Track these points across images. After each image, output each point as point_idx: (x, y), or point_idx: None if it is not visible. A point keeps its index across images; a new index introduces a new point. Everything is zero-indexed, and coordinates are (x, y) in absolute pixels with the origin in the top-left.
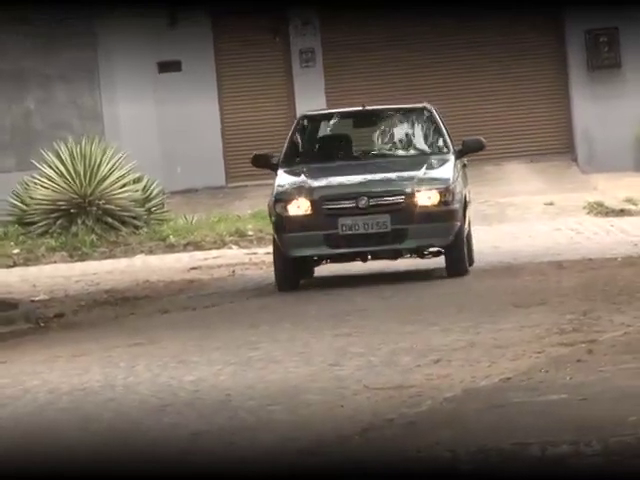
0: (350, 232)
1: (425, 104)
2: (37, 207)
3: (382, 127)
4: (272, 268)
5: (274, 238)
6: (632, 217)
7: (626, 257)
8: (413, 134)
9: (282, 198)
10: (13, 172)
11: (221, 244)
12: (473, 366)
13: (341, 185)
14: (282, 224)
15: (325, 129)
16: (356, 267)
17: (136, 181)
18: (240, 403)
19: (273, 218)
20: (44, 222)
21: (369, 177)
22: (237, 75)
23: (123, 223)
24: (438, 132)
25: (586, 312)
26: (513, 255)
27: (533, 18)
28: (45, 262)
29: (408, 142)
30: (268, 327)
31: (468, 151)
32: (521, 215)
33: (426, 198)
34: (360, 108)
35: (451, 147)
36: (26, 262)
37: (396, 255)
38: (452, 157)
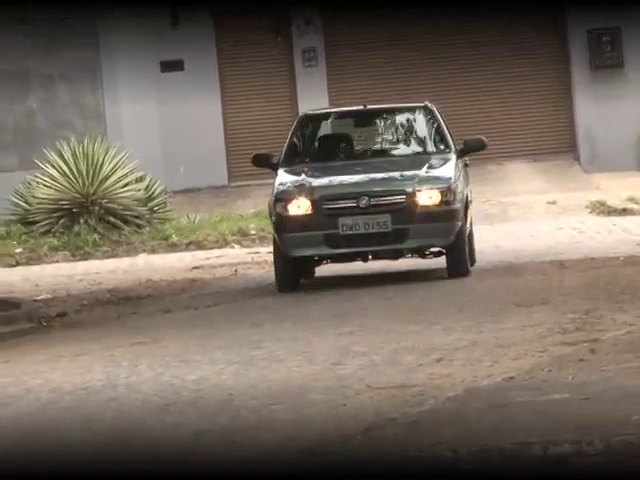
0: (351, 232)
1: (426, 103)
2: (40, 206)
3: (383, 126)
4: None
5: (274, 238)
6: (634, 216)
7: (628, 256)
8: (414, 133)
9: (282, 198)
10: (16, 171)
11: (223, 243)
12: (475, 365)
13: (342, 185)
14: (282, 224)
15: (326, 128)
16: (357, 267)
17: (138, 180)
18: (242, 402)
19: (273, 218)
20: (47, 221)
21: (370, 176)
22: (240, 74)
23: (125, 222)
24: (439, 131)
25: (588, 311)
26: (515, 254)
27: (535, 18)
28: (47, 261)
29: (409, 141)
30: (270, 326)
31: (469, 150)
32: (523, 214)
33: (427, 198)
34: (361, 107)
35: (452, 146)
36: (29, 261)
37: (397, 255)
38: (453, 156)
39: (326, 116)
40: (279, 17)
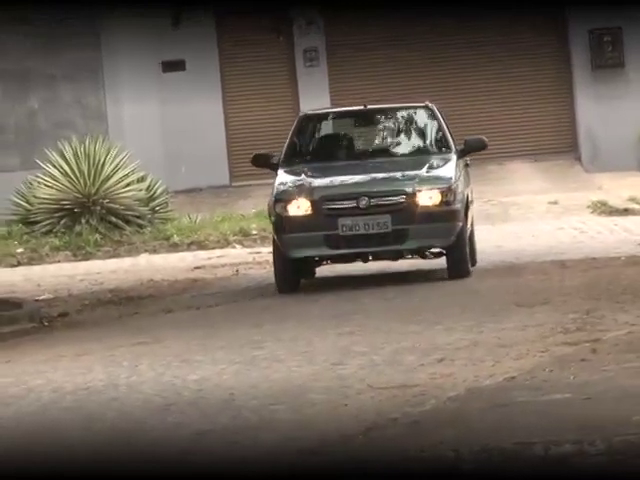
0: (350, 233)
1: (427, 103)
2: (41, 206)
3: (383, 126)
4: None
5: (274, 239)
6: (636, 216)
7: (630, 256)
8: (415, 133)
9: (282, 198)
10: (17, 171)
11: (225, 243)
12: (477, 365)
13: (341, 185)
14: (282, 224)
15: (326, 128)
16: (357, 267)
17: (140, 180)
18: (244, 402)
19: (273, 218)
20: (48, 221)
21: (370, 177)
22: (241, 74)
23: (127, 222)
24: (440, 131)
25: (590, 311)
26: (516, 254)
27: (536, 18)
28: (49, 261)
29: (409, 141)
30: (271, 326)
31: (470, 150)
32: (524, 214)
33: (427, 198)
34: (361, 107)
35: (453, 146)
36: (30, 261)
37: (397, 256)
38: (454, 156)
39: (326, 116)
40: (280, 17)
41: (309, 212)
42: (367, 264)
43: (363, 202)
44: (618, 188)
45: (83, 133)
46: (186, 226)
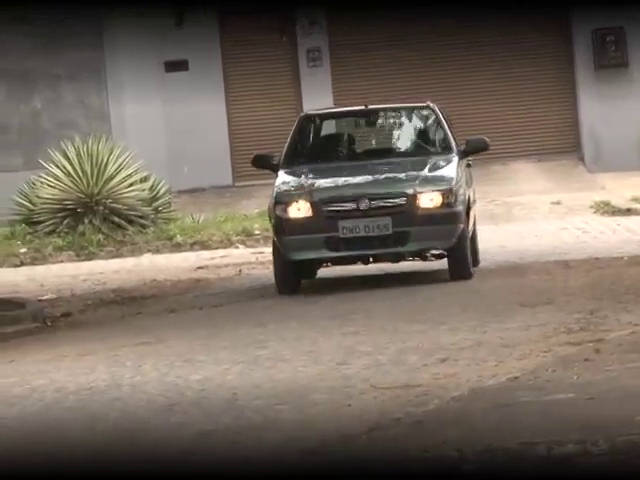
0: (351, 235)
1: (428, 103)
2: (44, 206)
3: (384, 126)
4: None
5: (274, 240)
6: (638, 216)
7: (633, 256)
8: (416, 134)
9: (282, 200)
10: (20, 171)
11: (228, 243)
12: (480, 365)
13: (342, 187)
14: (282, 226)
15: (326, 129)
16: (359, 268)
17: (143, 180)
18: (247, 402)
19: (273, 220)
20: (51, 221)
21: (370, 178)
22: (244, 75)
23: (130, 222)
24: (441, 131)
25: (593, 311)
26: (519, 254)
27: (539, 17)
28: (52, 261)
29: (411, 142)
30: (275, 326)
31: (472, 151)
32: (528, 214)
33: (428, 200)
34: (362, 107)
35: (454, 147)
36: (33, 261)
37: (398, 258)
38: (456, 157)
39: (327, 116)
40: (283, 17)
41: (309, 214)
42: (369, 265)
43: (363, 204)
44: (621, 188)
45: (86, 133)
46: (189, 226)
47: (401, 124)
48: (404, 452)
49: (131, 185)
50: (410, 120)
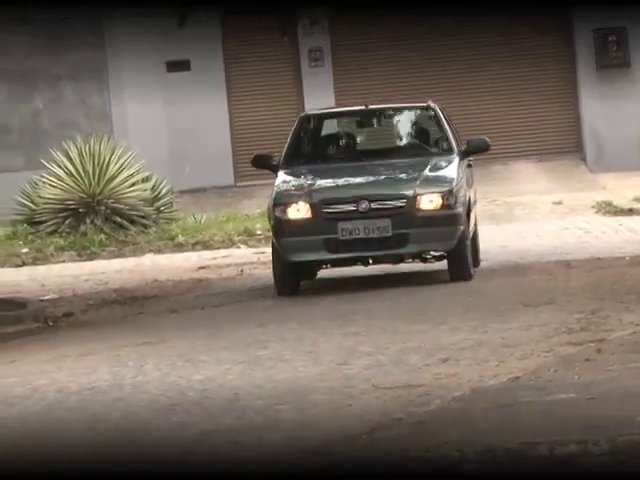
0: (350, 237)
1: (429, 103)
2: (46, 206)
3: (385, 127)
4: None
5: (273, 242)
6: None
7: (634, 256)
8: (416, 134)
9: (281, 201)
10: (22, 171)
11: (229, 243)
12: (481, 365)
13: (341, 188)
14: (281, 228)
15: (326, 129)
16: (359, 269)
17: (145, 180)
18: (248, 402)
19: (272, 221)
20: (53, 221)
21: (370, 179)
22: (246, 74)
23: (132, 222)
24: (442, 132)
25: (594, 311)
26: (521, 254)
27: (540, 17)
28: (54, 261)
29: (411, 142)
30: (276, 326)
31: (472, 151)
32: (529, 214)
33: (428, 202)
34: (362, 107)
35: (455, 147)
36: (35, 261)
37: (398, 260)
38: (456, 158)
39: (327, 116)
40: (285, 17)
41: (308, 216)
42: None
43: (363, 206)
44: (623, 188)
45: (87, 133)
46: (191, 226)
47: (401, 124)
48: (405, 452)
49: (133, 185)
50: (410, 120)
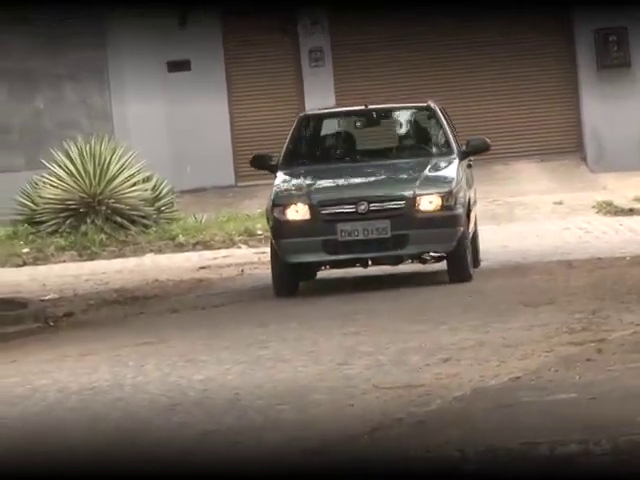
0: (349, 238)
1: (429, 103)
2: (46, 206)
3: (384, 127)
4: None
5: (271, 242)
6: None
7: (635, 256)
8: (416, 134)
9: (280, 202)
10: (22, 171)
11: (230, 243)
12: (482, 365)
13: (340, 189)
14: (279, 229)
15: (326, 129)
16: (359, 269)
17: (145, 180)
18: (249, 402)
19: (271, 222)
20: (53, 221)
21: (369, 180)
22: (246, 74)
23: (132, 222)
24: (442, 132)
25: (595, 311)
26: (522, 254)
27: (541, 17)
28: (54, 261)
29: (410, 143)
30: (277, 326)
31: (472, 151)
32: (530, 214)
33: (428, 203)
34: (362, 107)
35: (455, 148)
36: (35, 261)
37: (397, 261)
38: (456, 158)
39: (326, 116)
40: (285, 17)
41: (307, 217)
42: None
43: (362, 207)
44: (623, 188)
45: (88, 133)
46: (191, 226)
47: (401, 124)
48: (406, 452)
49: (134, 185)
50: (410, 120)
